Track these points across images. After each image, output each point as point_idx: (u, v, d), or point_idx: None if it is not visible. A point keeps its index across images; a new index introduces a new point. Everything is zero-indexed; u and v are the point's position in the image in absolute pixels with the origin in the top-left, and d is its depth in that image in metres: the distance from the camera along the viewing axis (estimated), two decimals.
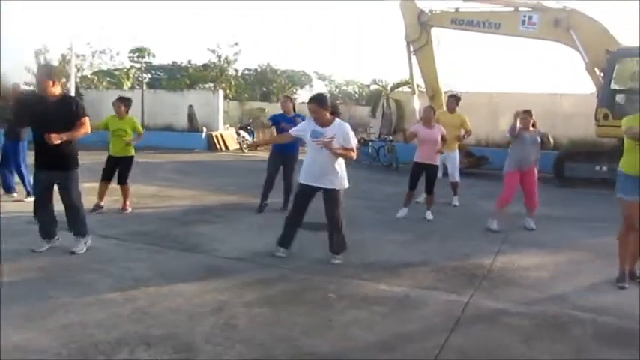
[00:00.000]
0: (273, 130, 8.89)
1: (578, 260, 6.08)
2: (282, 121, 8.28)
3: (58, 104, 5.38)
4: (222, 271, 5.22)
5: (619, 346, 3.84)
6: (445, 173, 9.59)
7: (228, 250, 6.01)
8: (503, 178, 7.74)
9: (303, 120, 8.08)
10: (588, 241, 6.84)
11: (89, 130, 5.56)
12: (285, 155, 8.28)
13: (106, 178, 8.02)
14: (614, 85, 12.30)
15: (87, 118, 5.52)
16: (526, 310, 4.44)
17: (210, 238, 6.54)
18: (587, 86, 13.56)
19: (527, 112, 7.54)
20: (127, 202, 8.04)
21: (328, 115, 5.48)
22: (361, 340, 3.78)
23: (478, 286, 5.05)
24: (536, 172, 7.66)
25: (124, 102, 8.01)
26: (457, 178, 9.53)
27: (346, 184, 5.65)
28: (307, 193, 5.62)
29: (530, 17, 13.49)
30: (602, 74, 12.49)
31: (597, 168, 12.23)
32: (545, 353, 3.69)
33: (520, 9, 13.68)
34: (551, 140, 7.59)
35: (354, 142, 5.54)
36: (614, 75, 12.25)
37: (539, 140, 7.49)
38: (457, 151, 9.62)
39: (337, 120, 5.54)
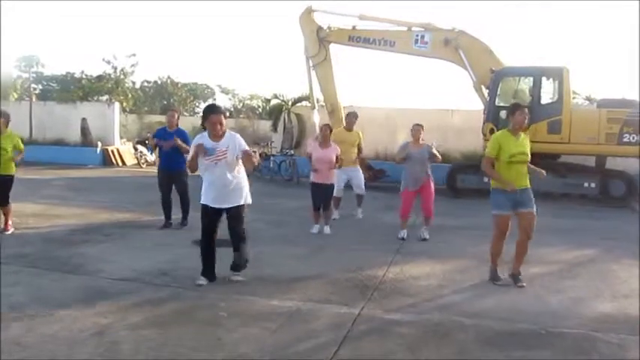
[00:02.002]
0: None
1: (465, 268, 6.36)
2: (160, 138, 8.14)
3: None
4: (106, 293, 4.96)
5: (499, 348, 4.03)
6: (349, 186, 9.66)
7: (114, 270, 5.73)
8: (401, 195, 8.02)
9: (182, 135, 7.95)
10: (474, 248, 7.16)
11: None
12: (172, 172, 8.11)
13: None
14: (498, 102, 13.07)
15: None
16: (413, 319, 4.56)
17: (96, 258, 6.20)
18: (475, 103, 14.39)
19: (420, 125, 7.93)
20: (9, 222, 7.50)
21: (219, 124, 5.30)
22: (248, 358, 3.70)
23: (370, 297, 5.14)
24: (432, 185, 7.95)
25: (3, 115, 7.45)
26: (363, 190, 9.62)
27: (249, 199, 5.50)
28: (211, 214, 5.38)
29: (422, 36, 14.15)
30: (487, 91, 13.28)
31: (485, 179, 12.90)
32: (429, 359, 3.79)
33: (413, 28, 14.30)
34: (438, 154, 7.96)
35: (248, 150, 5.39)
36: (498, 92, 13.05)
37: (427, 155, 7.83)
38: (358, 166, 9.70)
39: (228, 131, 5.40)
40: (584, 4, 60.05)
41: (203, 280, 5.38)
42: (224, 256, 5.55)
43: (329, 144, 8.22)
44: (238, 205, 5.38)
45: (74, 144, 20.67)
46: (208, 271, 5.45)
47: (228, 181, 5.29)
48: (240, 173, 5.43)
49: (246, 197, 5.47)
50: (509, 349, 4.02)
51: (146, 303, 4.76)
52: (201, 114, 5.95)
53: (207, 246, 5.46)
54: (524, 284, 5.60)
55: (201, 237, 5.50)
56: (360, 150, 9.62)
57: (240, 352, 3.80)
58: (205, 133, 5.32)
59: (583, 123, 12.32)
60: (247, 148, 5.41)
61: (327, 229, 8.21)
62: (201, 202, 5.44)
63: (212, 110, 5.40)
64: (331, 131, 8.45)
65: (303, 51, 15.26)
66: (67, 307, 4.56)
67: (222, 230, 5.54)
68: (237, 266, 5.52)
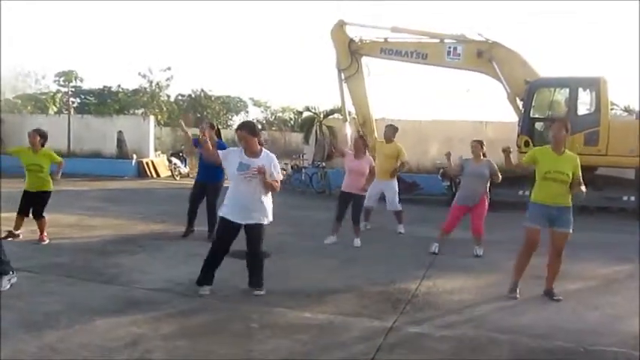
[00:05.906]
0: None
1: (499, 282, 6.22)
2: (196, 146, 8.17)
3: None
4: (140, 304, 5.01)
5: None
6: (383, 199, 9.54)
7: (148, 280, 5.79)
8: (451, 208, 7.86)
9: (222, 148, 8.03)
10: (508, 263, 6.96)
11: None
12: (208, 184, 8.16)
13: (23, 213, 7.69)
14: (533, 114, 12.87)
15: None
16: (446, 334, 4.48)
17: (130, 268, 6.29)
18: (510, 115, 14.17)
19: (479, 142, 7.75)
20: (44, 234, 7.69)
21: (257, 144, 5.32)
22: None
23: (402, 311, 5.08)
24: (486, 203, 7.71)
25: (40, 133, 7.67)
26: (398, 206, 9.44)
27: (271, 217, 5.43)
28: (231, 229, 5.30)
29: (455, 48, 14.03)
30: (522, 103, 13.07)
31: (520, 192, 12.67)
32: None
33: (445, 40, 14.21)
34: (499, 174, 7.62)
35: (279, 175, 5.41)
36: (533, 104, 12.84)
37: (487, 172, 7.57)
38: (396, 179, 9.57)
39: (264, 150, 5.40)
40: (623, 13, 58.78)
41: (205, 290, 5.35)
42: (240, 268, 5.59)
43: (362, 155, 8.18)
44: (260, 224, 5.32)
45: (110, 156, 21.14)
46: (207, 278, 5.38)
47: (255, 199, 5.24)
48: (268, 194, 5.40)
49: (269, 217, 5.39)
50: None
51: (179, 313, 4.80)
52: (234, 127, 5.99)
53: (216, 258, 5.37)
54: (561, 298, 5.50)
55: (212, 248, 5.41)
56: (402, 163, 9.40)
57: None
58: (242, 149, 5.32)
59: (621, 134, 12.01)
60: (279, 177, 5.40)
61: (357, 242, 8.12)
62: (220, 214, 5.38)
63: (238, 126, 5.53)
64: (365, 143, 8.37)
65: (335, 64, 15.30)
66: (101, 316, 4.61)
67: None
68: (256, 283, 5.46)
